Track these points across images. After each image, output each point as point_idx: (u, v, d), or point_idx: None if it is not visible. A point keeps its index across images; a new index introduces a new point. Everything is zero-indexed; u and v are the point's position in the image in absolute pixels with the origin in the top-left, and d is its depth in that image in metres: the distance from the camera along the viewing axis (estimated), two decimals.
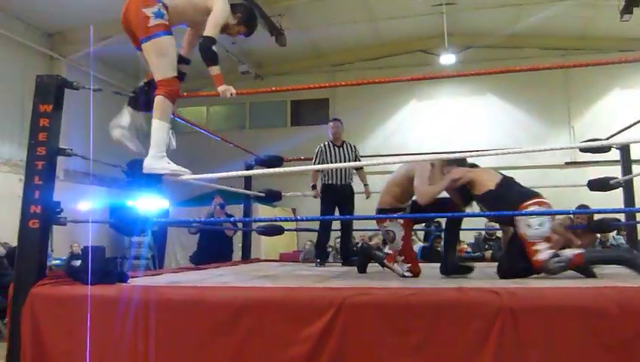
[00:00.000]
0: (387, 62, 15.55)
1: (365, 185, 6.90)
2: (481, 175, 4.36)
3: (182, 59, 3.98)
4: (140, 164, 3.69)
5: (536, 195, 4.03)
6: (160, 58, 3.67)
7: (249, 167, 6.62)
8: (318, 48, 15.60)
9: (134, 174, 3.76)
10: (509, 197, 4.08)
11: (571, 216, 6.55)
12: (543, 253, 3.73)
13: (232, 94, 3.80)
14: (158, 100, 3.67)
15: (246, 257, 6.94)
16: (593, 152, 6.16)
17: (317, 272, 4.94)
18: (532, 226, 3.87)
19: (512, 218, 4.01)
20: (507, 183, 4.26)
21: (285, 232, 6.64)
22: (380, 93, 15.21)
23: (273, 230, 6.45)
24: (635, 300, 2.55)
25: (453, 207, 4.43)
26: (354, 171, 6.83)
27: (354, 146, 6.89)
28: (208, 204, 8.40)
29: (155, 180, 3.72)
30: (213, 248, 7.82)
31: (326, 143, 6.80)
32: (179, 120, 4.28)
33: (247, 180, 7.04)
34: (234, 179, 7.12)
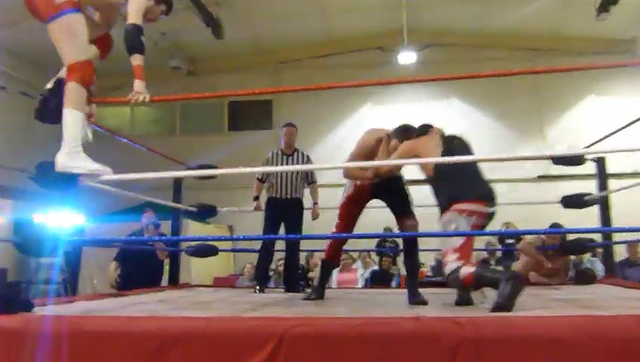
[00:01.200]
0: (339, 60, 15.64)
1: (315, 203, 6.93)
2: (425, 148, 4.41)
3: None
4: (51, 166, 3.61)
5: (461, 199, 4.04)
6: (69, 39, 3.63)
7: (178, 179, 6.56)
8: (260, 43, 15.56)
9: (45, 179, 3.66)
10: (441, 190, 4.20)
11: (542, 236, 6.72)
12: (449, 264, 3.86)
13: (145, 100, 3.74)
14: (70, 87, 3.62)
15: (174, 282, 6.85)
16: (567, 165, 6.31)
17: (255, 299, 4.92)
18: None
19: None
20: (445, 170, 4.21)
21: (220, 253, 6.60)
22: (331, 96, 15.28)
23: (206, 250, 6.41)
24: (608, 329, 2.62)
25: None
26: (305, 184, 6.87)
27: (307, 156, 6.94)
28: (132, 220, 8.27)
29: (70, 183, 3.64)
30: (139, 272, 7.67)
31: (275, 151, 6.83)
32: (97, 128, 4.19)
33: (177, 192, 6.96)
34: (161, 192, 7.02)
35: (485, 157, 4.14)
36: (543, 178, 14.11)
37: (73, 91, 3.61)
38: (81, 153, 3.64)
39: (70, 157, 3.59)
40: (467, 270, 3.76)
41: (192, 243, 6.99)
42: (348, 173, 4.95)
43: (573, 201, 6.44)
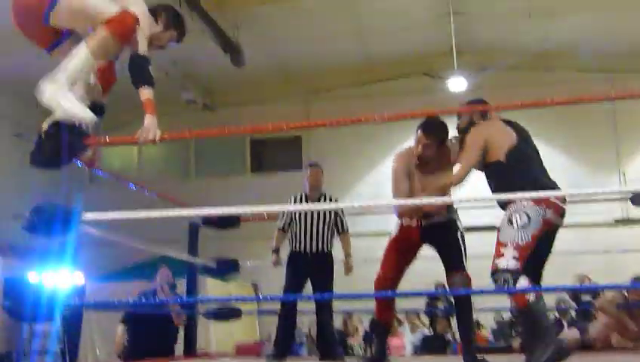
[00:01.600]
0: (379, 88, 15.65)
1: (347, 255, 6.88)
2: (496, 134, 4.68)
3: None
4: (48, 209, 3.65)
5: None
6: (85, 1, 3.71)
7: (194, 229, 6.58)
8: (287, 70, 15.65)
9: (41, 223, 3.69)
10: (513, 177, 4.36)
11: (624, 291, 6.61)
12: (504, 260, 3.99)
13: (155, 138, 3.76)
14: (101, 34, 3.67)
15: (190, 350, 6.84)
16: None
17: None
18: (513, 224, 4.02)
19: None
20: (522, 155, 4.55)
21: (243, 316, 6.57)
22: (371, 128, 15.28)
23: (227, 313, 6.40)
24: None
25: None
26: (334, 234, 6.83)
27: (336, 200, 6.94)
28: (141, 278, 8.29)
29: (70, 225, 3.65)
30: (151, 338, 7.62)
31: (298, 195, 6.83)
32: (100, 173, 4.25)
33: (192, 244, 6.98)
34: (175, 245, 7.05)
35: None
36: (620, 222, 13.89)
37: (102, 38, 3.67)
38: (70, 93, 3.67)
39: (59, 90, 3.63)
40: (525, 284, 3.82)
41: (212, 305, 7.00)
42: (398, 210, 4.95)
43: None
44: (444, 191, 4.82)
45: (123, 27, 3.69)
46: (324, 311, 6.79)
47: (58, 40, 3.78)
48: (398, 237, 4.96)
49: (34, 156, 3.87)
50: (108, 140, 4.50)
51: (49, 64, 3.74)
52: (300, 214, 6.65)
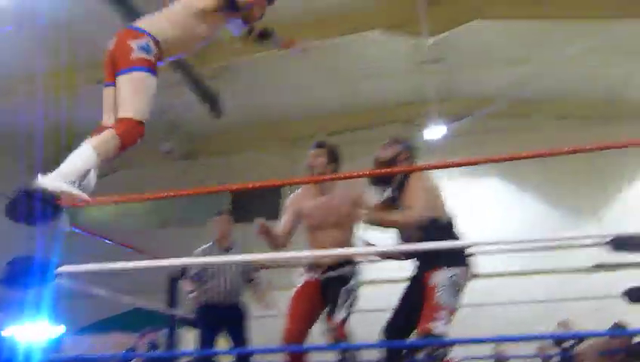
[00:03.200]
0: (361, 135, 15.65)
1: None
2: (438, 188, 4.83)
3: None
4: (25, 261, 3.62)
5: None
6: (133, 95, 3.86)
7: (173, 281, 6.53)
8: (267, 118, 15.68)
9: (18, 276, 3.64)
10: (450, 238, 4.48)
11: (605, 337, 6.60)
12: (440, 324, 4.12)
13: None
14: (107, 135, 3.80)
15: None
16: (628, 251, 6.24)
17: None
18: (452, 289, 4.09)
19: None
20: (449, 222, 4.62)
21: None
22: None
23: None
24: None
25: None
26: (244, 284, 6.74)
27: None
28: (122, 330, 8.18)
29: (47, 278, 3.61)
30: None
31: (207, 246, 6.71)
32: (76, 230, 4.21)
33: (172, 295, 6.91)
34: (151, 295, 6.98)
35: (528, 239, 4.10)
36: (599, 267, 13.90)
37: (107, 138, 3.80)
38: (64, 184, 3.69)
39: (54, 180, 3.66)
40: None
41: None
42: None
43: (638, 294, 6.32)
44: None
45: (130, 138, 3.84)
46: None
47: None
48: (299, 288, 5.01)
49: (9, 207, 3.84)
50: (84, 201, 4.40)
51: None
52: (215, 265, 6.51)
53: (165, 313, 6.66)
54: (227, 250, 6.66)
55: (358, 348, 4.49)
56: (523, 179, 15.36)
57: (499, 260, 12.98)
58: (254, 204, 16.76)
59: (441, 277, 4.35)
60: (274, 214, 15.85)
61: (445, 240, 4.40)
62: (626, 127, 13.67)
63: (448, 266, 4.39)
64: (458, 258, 4.52)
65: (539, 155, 3.85)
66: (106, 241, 5.57)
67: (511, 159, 3.98)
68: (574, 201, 15.04)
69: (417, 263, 4.63)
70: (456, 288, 4.34)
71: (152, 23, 4.09)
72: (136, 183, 15.07)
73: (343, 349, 4.58)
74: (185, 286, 6.55)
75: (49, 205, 3.65)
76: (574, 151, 3.97)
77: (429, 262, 4.46)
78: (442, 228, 4.53)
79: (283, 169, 15.42)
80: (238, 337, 6.34)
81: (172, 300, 6.88)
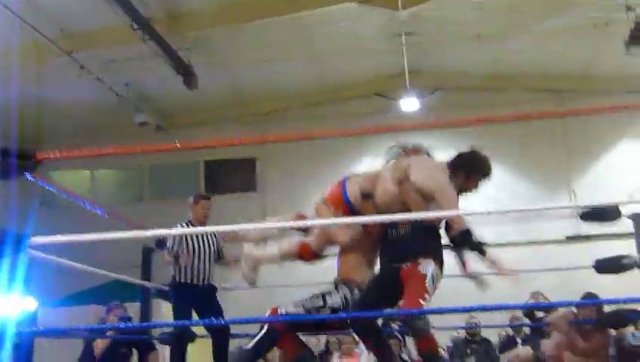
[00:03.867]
0: (333, 109, 15.64)
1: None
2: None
3: None
4: None
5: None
6: None
7: (147, 253, 6.51)
8: (242, 92, 15.55)
9: None
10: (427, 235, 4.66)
11: (574, 308, 6.65)
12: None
13: None
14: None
15: None
16: (599, 221, 6.31)
17: None
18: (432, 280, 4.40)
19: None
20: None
21: (199, 340, 6.50)
22: (325, 150, 15.30)
23: (181, 337, 6.30)
24: None
25: None
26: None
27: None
28: (98, 302, 8.15)
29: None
30: None
31: (184, 224, 6.65)
32: (50, 188, 4.20)
33: (146, 268, 6.90)
34: (127, 268, 6.98)
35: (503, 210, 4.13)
36: (572, 239, 14.06)
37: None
38: None
39: None
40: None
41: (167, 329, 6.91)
42: None
43: (608, 265, 6.39)
44: None
45: None
46: (223, 341, 6.62)
47: None
48: None
49: None
50: (59, 154, 4.40)
51: None
52: (194, 243, 6.44)
53: (140, 285, 6.64)
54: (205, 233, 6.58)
55: (331, 318, 4.50)
56: (497, 153, 15.42)
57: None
58: (229, 177, 16.79)
59: (429, 269, 4.44)
60: (249, 187, 16.00)
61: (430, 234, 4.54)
62: (599, 100, 13.79)
63: (434, 259, 4.52)
64: (439, 252, 4.64)
65: (509, 119, 3.87)
66: (82, 205, 5.55)
67: (481, 121, 3.96)
68: (548, 174, 15.17)
69: (397, 255, 4.68)
70: (435, 281, 4.48)
71: None
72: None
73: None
74: (165, 258, 6.47)
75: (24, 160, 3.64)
76: (544, 115, 3.99)
77: (414, 253, 4.56)
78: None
79: (255, 141, 15.38)
80: (215, 314, 6.31)
81: (146, 272, 6.87)
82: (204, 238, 6.50)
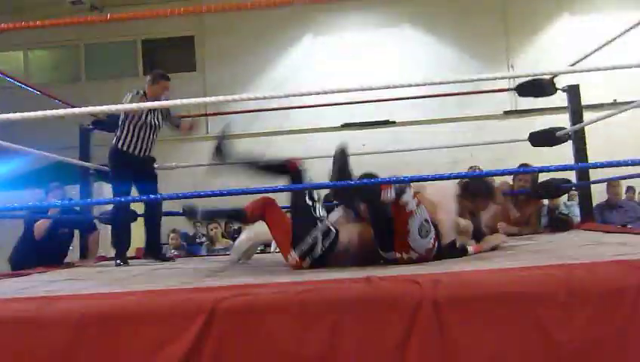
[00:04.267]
0: None
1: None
2: None
3: None
4: None
5: None
6: None
7: (85, 132, 6.42)
8: None
9: None
10: None
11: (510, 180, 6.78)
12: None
13: None
14: None
15: (86, 256, 6.76)
16: (534, 96, 6.38)
17: (190, 270, 4.89)
18: None
19: None
20: None
21: (142, 219, 6.51)
22: (265, 29, 15.11)
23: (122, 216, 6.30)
24: (585, 280, 2.69)
25: None
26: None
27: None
28: (37, 186, 8.07)
29: None
30: (44, 246, 7.44)
31: (139, 93, 6.46)
32: None
33: (84, 148, 6.81)
34: (66, 150, 6.89)
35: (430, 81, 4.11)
36: (510, 113, 14.28)
37: None
38: None
39: None
40: None
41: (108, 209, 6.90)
42: None
43: (542, 138, 6.52)
44: None
45: None
46: (155, 215, 6.56)
47: None
48: None
49: None
50: None
51: None
52: (146, 115, 6.30)
53: (79, 166, 6.56)
54: (156, 110, 6.40)
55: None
56: (436, 26, 15.42)
57: (411, 106, 13.20)
58: (168, 56, 16.52)
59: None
60: (188, 66, 15.74)
61: None
62: None
63: None
64: None
65: None
66: (15, 85, 5.41)
67: None
68: (488, 50, 15.23)
69: None
70: None
71: None
72: (44, 32, 14.62)
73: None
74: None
75: None
76: None
77: None
78: None
79: (192, 18, 15.11)
80: (151, 187, 6.24)
81: (85, 153, 6.79)
82: (156, 115, 6.37)
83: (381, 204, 4.06)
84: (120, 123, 6.23)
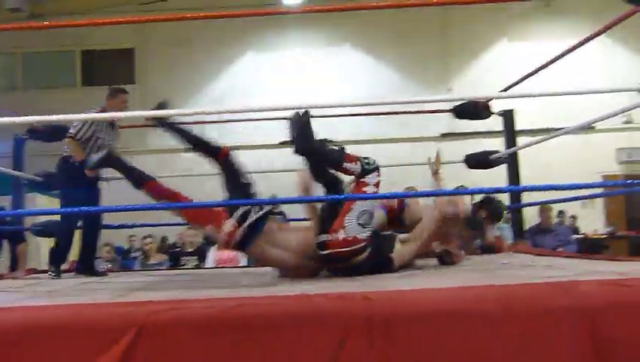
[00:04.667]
0: (215, 2, 15.31)
1: None
2: None
3: None
4: None
5: None
6: None
7: (18, 142, 6.31)
8: None
9: None
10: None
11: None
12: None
13: None
14: None
15: (16, 268, 6.62)
16: (470, 118, 6.48)
17: (121, 284, 4.83)
18: None
19: None
20: None
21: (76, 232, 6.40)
22: (206, 45, 15.08)
23: (54, 229, 6.18)
24: (520, 299, 2.74)
25: None
26: None
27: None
28: None
29: None
30: None
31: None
32: None
33: (17, 159, 6.67)
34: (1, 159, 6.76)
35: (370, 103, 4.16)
36: (447, 136, 14.48)
37: None
38: None
39: None
40: None
41: (39, 220, 6.77)
42: None
43: (477, 160, 6.60)
44: None
45: None
46: (95, 225, 6.38)
47: None
48: None
49: None
50: None
51: None
52: (105, 133, 6.27)
53: (11, 175, 6.43)
54: (113, 126, 6.31)
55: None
56: (378, 49, 15.59)
57: (350, 126, 13.30)
58: (106, 68, 16.34)
59: None
60: (127, 79, 15.59)
61: None
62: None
63: None
64: None
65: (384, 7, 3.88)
66: None
67: (358, 8, 3.94)
68: (427, 74, 15.48)
69: None
70: None
71: None
72: None
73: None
74: (69, 142, 6.16)
75: None
76: (419, 4, 4.02)
77: None
78: None
79: (133, 31, 15.01)
80: (96, 196, 6.13)
81: (18, 163, 6.65)
82: (115, 131, 6.31)
83: (343, 170, 4.29)
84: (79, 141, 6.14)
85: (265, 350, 2.64)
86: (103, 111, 6.16)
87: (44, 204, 11.40)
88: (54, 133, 6.13)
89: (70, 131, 6.07)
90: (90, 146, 6.12)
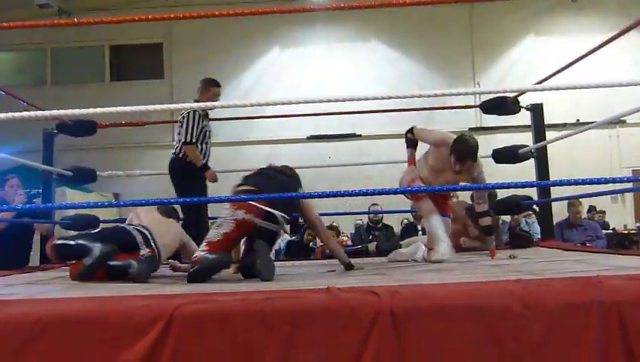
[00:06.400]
0: None
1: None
2: None
3: None
4: None
5: None
6: None
7: (48, 137, 6.37)
8: None
9: None
10: None
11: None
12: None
13: None
14: None
15: (47, 261, 6.68)
16: (498, 113, 6.45)
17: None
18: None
19: None
20: None
21: (104, 225, 6.45)
22: (233, 40, 15.11)
23: (85, 222, 6.26)
24: (540, 295, 2.72)
25: None
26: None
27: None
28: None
29: None
30: (3, 248, 7.32)
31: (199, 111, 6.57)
32: None
33: (48, 152, 6.74)
34: (29, 154, 6.83)
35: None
36: (475, 130, 14.41)
37: None
38: None
39: None
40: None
41: (69, 214, 6.82)
42: None
43: (505, 155, 6.56)
44: None
45: None
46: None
47: None
48: None
49: None
50: None
51: None
52: (207, 129, 6.50)
53: (42, 170, 6.50)
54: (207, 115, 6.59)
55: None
56: (407, 46, 15.56)
57: (375, 121, 13.30)
58: (135, 63, 16.44)
59: None
60: (155, 73, 15.68)
61: None
62: None
63: None
64: None
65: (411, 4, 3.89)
66: None
67: (386, 5, 3.94)
68: (454, 67, 15.43)
69: None
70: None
71: None
72: (10, 35, 14.46)
73: None
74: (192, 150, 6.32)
75: None
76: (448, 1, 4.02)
77: None
78: None
79: (161, 26, 15.08)
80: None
81: (48, 157, 6.72)
82: (207, 118, 6.50)
83: None
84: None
85: (291, 345, 2.66)
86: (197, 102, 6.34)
87: (75, 199, 11.51)
88: (83, 127, 6.19)
89: (185, 139, 6.20)
90: (202, 141, 6.30)
